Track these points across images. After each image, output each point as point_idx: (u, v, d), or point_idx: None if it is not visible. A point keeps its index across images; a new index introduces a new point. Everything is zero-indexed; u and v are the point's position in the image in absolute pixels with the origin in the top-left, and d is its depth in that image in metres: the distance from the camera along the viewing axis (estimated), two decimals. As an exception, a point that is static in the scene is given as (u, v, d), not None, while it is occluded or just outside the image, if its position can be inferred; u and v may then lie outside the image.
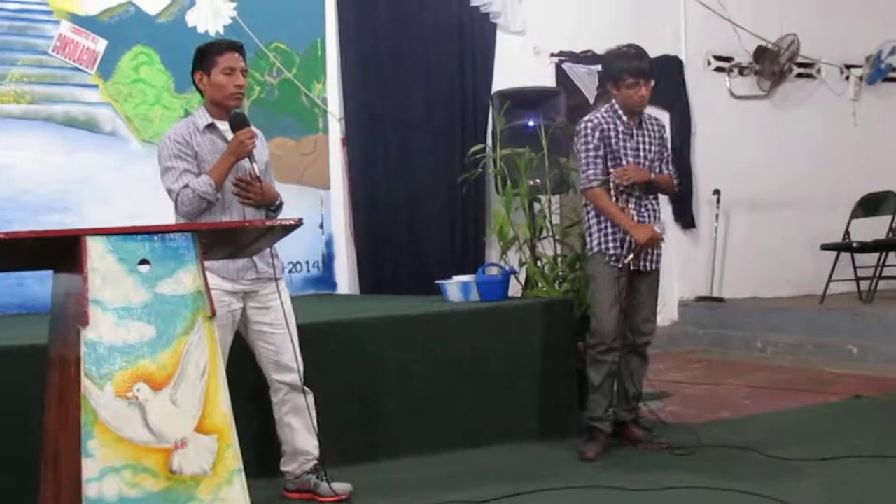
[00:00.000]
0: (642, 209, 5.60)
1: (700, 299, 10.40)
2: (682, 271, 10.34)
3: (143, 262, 3.41)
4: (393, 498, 4.71)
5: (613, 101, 5.65)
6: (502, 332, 5.95)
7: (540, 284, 6.49)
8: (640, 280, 5.63)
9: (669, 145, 5.99)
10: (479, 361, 5.85)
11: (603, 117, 5.61)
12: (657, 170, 5.69)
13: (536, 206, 6.90)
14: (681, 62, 10.34)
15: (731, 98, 10.76)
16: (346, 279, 8.74)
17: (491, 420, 5.84)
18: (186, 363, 3.40)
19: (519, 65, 9.31)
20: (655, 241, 5.58)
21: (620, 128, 5.58)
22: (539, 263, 6.59)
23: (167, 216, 4.61)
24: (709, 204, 10.54)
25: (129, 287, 3.37)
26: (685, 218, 10.38)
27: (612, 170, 5.54)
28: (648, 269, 5.65)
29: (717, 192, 10.48)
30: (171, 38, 8.04)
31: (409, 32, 8.96)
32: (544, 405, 6.01)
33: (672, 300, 10.11)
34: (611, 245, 5.53)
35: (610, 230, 5.55)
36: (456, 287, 6.36)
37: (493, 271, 6.58)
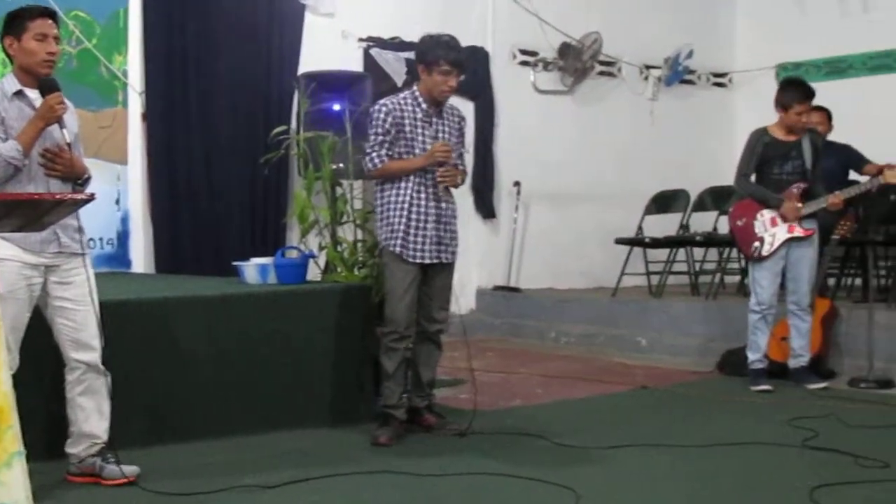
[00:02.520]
0: (440, 198, 5.62)
1: (497, 288, 10.55)
2: (480, 260, 10.46)
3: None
4: (183, 482, 4.62)
5: (415, 87, 5.65)
6: (299, 316, 5.90)
7: (339, 269, 6.46)
8: (435, 270, 5.65)
9: (468, 139, 6.03)
10: (275, 345, 5.79)
11: (400, 102, 5.59)
12: (455, 160, 5.73)
13: (338, 190, 6.85)
14: (487, 54, 10.44)
15: (535, 92, 10.93)
16: (141, 258, 8.54)
17: (285, 404, 5.79)
18: (-36, 340, 3.26)
19: (327, 48, 9.24)
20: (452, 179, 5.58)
21: (419, 114, 5.58)
22: (339, 248, 6.56)
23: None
24: (509, 195, 10.69)
25: None
26: (485, 208, 10.50)
27: (404, 156, 5.55)
28: (448, 260, 5.68)
29: (517, 183, 10.64)
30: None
31: (215, 10, 8.79)
32: (340, 390, 6.00)
33: (470, 289, 10.21)
34: (399, 240, 5.50)
35: (395, 222, 5.52)
36: (253, 269, 6.28)
37: (293, 254, 6.53)
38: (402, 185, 5.54)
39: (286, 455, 5.22)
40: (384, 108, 5.56)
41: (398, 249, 5.51)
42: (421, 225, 5.53)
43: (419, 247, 5.52)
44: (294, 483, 4.64)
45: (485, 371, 7.75)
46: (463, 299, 9.85)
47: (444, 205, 5.61)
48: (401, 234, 5.51)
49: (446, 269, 5.72)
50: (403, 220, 5.51)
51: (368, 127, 5.60)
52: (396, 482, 4.73)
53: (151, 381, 5.34)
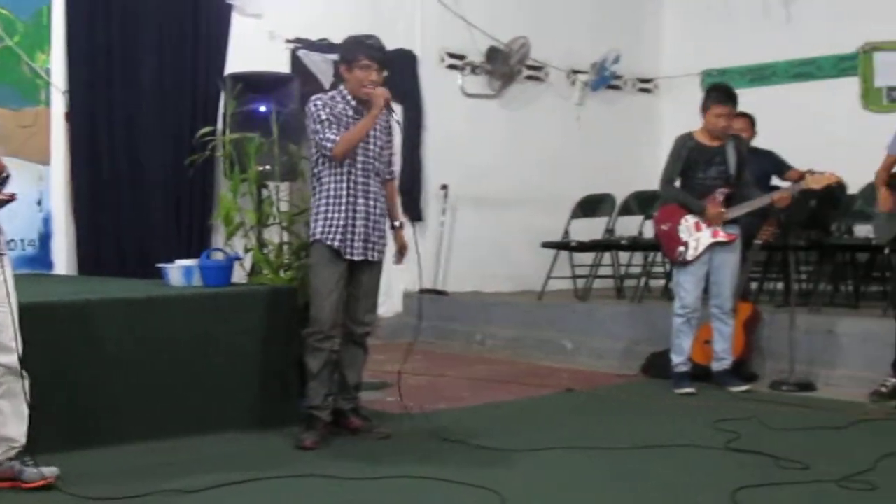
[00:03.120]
0: (370, 195, 5.62)
1: (424, 292, 10.53)
2: (407, 263, 10.41)
3: None
4: (105, 486, 4.55)
5: (342, 87, 5.66)
6: (224, 319, 5.85)
7: (265, 271, 6.42)
8: (362, 270, 5.64)
9: (396, 142, 6.04)
10: (200, 347, 5.73)
11: (332, 98, 5.62)
12: (386, 159, 5.77)
13: (264, 192, 6.82)
14: (415, 57, 10.44)
15: (463, 96, 10.95)
16: (64, 259, 8.40)
17: (209, 407, 5.74)
18: None
19: (254, 49, 9.16)
20: None
21: (350, 112, 5.58)
22: (265, 250, 6.52)
23: None
24: (436, 198, 10.70)
25: None
26: (413, 211, 10.48)
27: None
28: (374, 258, 5.67)
29: (445, 186, 10.65)
30: None
31: (141, 9, 8.66)
32: (265, 393, 5.95)
33: (397, 291, 10.20)
34: (337, 235, 5.50)
35: (334, 217, 5.53)
36: (178, 271, 6.21)
37: (218, 256, 6.47)
38: (341, 178, 5.54)
39: (210, 459, 5.17)
40: (319, 101, 5.58)
41: (336, 244, 5.50)
42: (351, 221, 5.53)
43: (348, 243, 5.52)
44: (217, 487, 4.60)
45: (411, 374, 7.73)
46: (389, 302, 9.85)
47: (373, 203, 5.61)
48: (340, 229, 5.51)
49: (374, 269, 5.71)
50: (342, 214, 5.52)
51: (309, 120, 5.57)
52: (321, 486, 4.71)
53: (74, 384, 5.25)
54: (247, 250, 6.59)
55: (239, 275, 6.53)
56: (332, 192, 5.55)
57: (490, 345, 9.64)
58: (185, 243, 8.62)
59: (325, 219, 5.54)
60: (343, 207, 5.53)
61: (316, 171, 5.63)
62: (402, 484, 4.73)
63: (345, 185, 5.54)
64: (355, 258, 5.57)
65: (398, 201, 6.08)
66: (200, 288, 6.09)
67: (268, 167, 6.97)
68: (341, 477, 4.80)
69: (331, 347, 5.59)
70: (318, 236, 5.56)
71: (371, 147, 5.63)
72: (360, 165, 5.58)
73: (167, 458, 5.16)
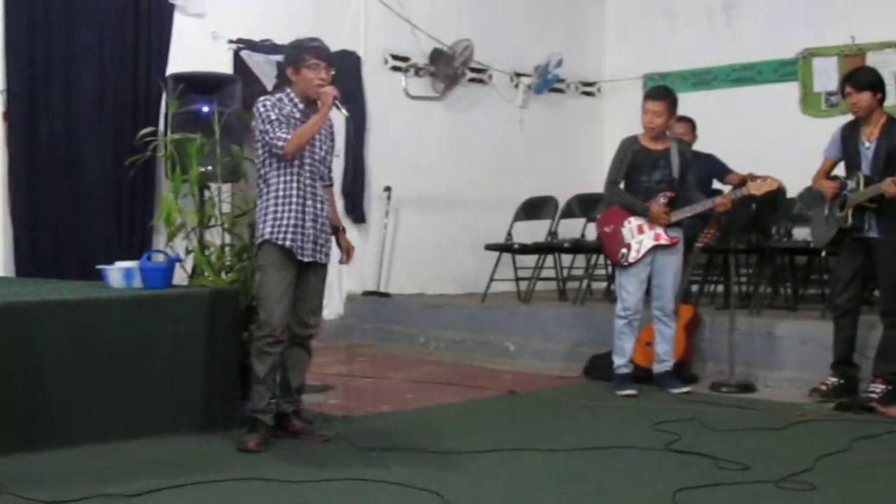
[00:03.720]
0: (317, 198, 5.61)
1: (367, 294, 10.53)
2: (351, 265, 10.40)
3: None
4: (45, 490, 4.48)
5: (289, 90, 5.64)
6: (165, 321, 5.79)
7: (206, 273, 6.37)
8: (309, 272, 5.63)
9: (339, 144, 6.04)
10: (141, 350, 5.68)
11: (279, 100, 5.60)
12: (329, 164, 5.76)
13: (206, 193, 6.77)
14: (359, 58, 10.42)
15: (406, 97, 10.94)
16: (0, 261, 8.29)
17: (151, 410, 5.68)
18: None
19: (196, 49, 9.10)
20: None
21: (297, 114, 5.57)
22: (206, 252, 6.47)
23: None
24: (380, 200, 10.68)
25: None
26: (356, 213, 10.46)
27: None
28: (322, 260, 5.66)
29: (388, 188, 10.63)
30: None
31: (81, 8, 8.57)
32: (207, 396, 5.90)
33: (340, 294, 10.17)
34: (288, 235, 5.48)
35: (284, 217, 5.50)
36: (118, 273, 6.15)
37: (158, 258, 6.42)
38: (290, 179, 5.52)
39: (151, 462, 5.12)
40: (268, 102, 5.56)
41: (288, 244, 5.47)
42: (301, 222, 5.51)
43: (299, 243, 5.50)
44: (159, 491, 4.55)
45: (354, 376, 7.73)
46: (332, 304, 9.82)
47: (320, 206, 5.60)
48: (290, 229, 5.49)
49: (320, 271, 5.71)
50: (293, 213, 5.50)
51: (258, 120, 5.53)
52: (264, 489, 4.68)
53: (12, 386, 5.18)
54: (188, 252, 6.54)
55: (180, 277, 6.48)
56: (280, 193, 5.53)
57: (433, 347, 9.64)
58: (125, 245, 8.54)
59: (275, 219, 5.51)
60: (293, 208, 5.51)
61: (262, 172, 5.60)
62: (345, 487, 4.71)
63: (294, 186, 5.52)
64: (305, 259, 5.55)
65: (336, 206, 6.07)
66: (141, 290, 6.03)
67: (210, 168, 6.92)
68: (284, 480, 4.77)
69: (279, 351, 5.57)
70: (267, 237, 5.52)
71: (317, 150, 5.63)
72: (307, 168, 5.57)
73: (107, 462, 5.11)
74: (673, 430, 5.85)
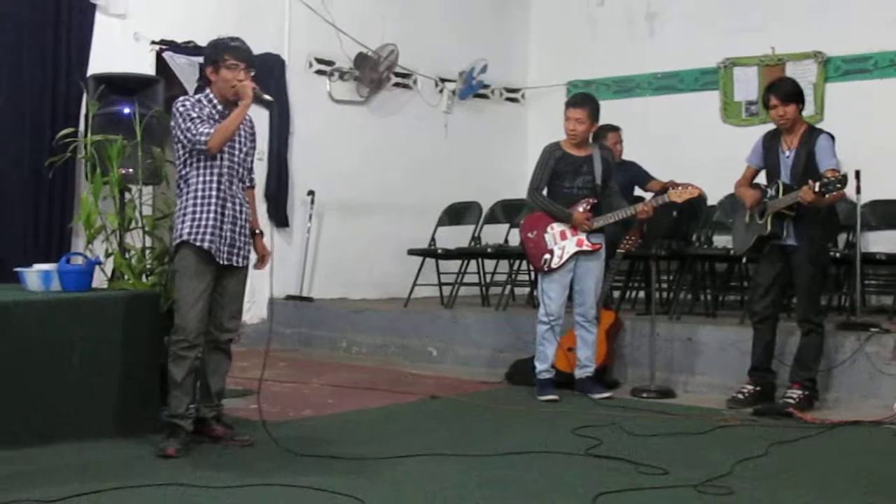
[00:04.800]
0: (236, 200, 5.57)
1: (289, 298, 10.47)
2: (273, 269, 10.33)
3: None
4: (-46, 497, 4.43)
5: (209, 90, 5.60)
6: (84, 324, 5.72)
7: (126, 276, 6.30)
8: (227, 276, 5.59)
9: (261, 146, 6.01)
10: (58, 354, 5.60)
11: (199, 101, 5.56)
12: (249, 165, 5.72)
13: (127, 195, 6.69)
14: (283, 61, 10.36)
15: (331, 101, 10.90)
16: (-87, 263, 8.14)
17: (68, 415, 5.61)
18: None
19: (118, 49, 8.99)
20: None
21: (215, 116, 5.52)
22: (126, 255, 6.40)
23: None
24: (303, 204, 10.63)
25: None
26: (279, 217, 10.41)
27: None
28: (239, 264, 5.62)
29: (311, 193, 10.59)
30: None
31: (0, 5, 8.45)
32: (125, 400, 5.83)
33: (262, 298, 10.10)
34: (206, 236, 5.42)
35: (203, 218, 5.44)
36: (36, 276, 6.06)
37: (78, 261, 6.33)
38: (209, 179, 5.47)
39: (68, 468, 5.06)
40: (187, 102, 5.52)
41: (206, 245, 5.41)
42: (219, 224, 5.47)
43: (217, 245, 5.46)
44: (76, 497, 4.49)
45: (276, 381, 7.68)
46: (254, 308, 9.76)
47: (239, 208, 5.56)
48: (209, 230, 5.43)
49: (239, 274, 5.66)
50: (212, 215, 5.45)
51: (178, 119, 5.46)
52: (184, 495, 4.63)
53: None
54: (108, 255, 6.46)
55: (100, 280, 6.40)
56: (199, 194, 5.47)
57: (355, 352, 9.63)
58: (43, 247, 8.41)
59: (193, 219, 5.45)
60: (212, 209, 5.46)
61: (183, 172, 5.55)
62: (265, 492, 4.68)
63: (214, 186, 5.48)
64: (223, 262, 5.50)
65: (257, 209, 6.02)
66: (59, 293, 5.95)
67: (130, 170, 6.84)
68: (203, 486, 4.73)
69: (195, 356, 5.51)
70: (185, 237, 5.46)
71: (237, 151, 5.60)
72: (226, 169, 5.53)
73: (20, 468, 5.03)
74: (594, 434, 5.89)
